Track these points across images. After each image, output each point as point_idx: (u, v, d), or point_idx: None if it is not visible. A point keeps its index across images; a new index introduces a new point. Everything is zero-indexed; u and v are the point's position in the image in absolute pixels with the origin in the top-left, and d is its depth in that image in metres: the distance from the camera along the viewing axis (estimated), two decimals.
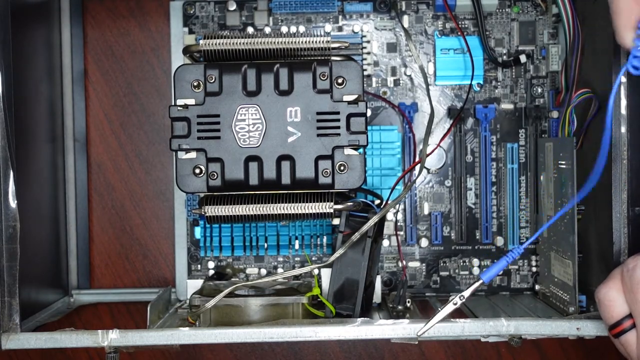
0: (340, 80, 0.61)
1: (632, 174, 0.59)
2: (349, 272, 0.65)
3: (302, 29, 0.75)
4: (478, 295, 0.75)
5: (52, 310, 0.72)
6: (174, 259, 0.77)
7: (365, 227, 0.62)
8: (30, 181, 0.68)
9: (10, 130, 0.59)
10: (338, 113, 0.61)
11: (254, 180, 0.61)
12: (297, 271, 0.64)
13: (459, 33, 0.75)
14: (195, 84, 0.61)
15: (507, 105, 0.75)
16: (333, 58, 0.62)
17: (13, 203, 0.59)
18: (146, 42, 0.80)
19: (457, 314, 0.67)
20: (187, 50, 0.63)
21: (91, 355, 0.82)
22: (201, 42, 0.61)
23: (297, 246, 0.75)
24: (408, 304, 0.71)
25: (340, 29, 0.76)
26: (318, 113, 0.61)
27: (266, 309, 0.64)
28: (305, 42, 0.62)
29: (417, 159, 0.74)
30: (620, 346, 0.54)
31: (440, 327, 0.58)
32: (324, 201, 0.62)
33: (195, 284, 0.73)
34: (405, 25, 0.75)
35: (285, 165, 0.61)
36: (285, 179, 0.61)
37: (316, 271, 0.73)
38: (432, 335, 0.58)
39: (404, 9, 0.75)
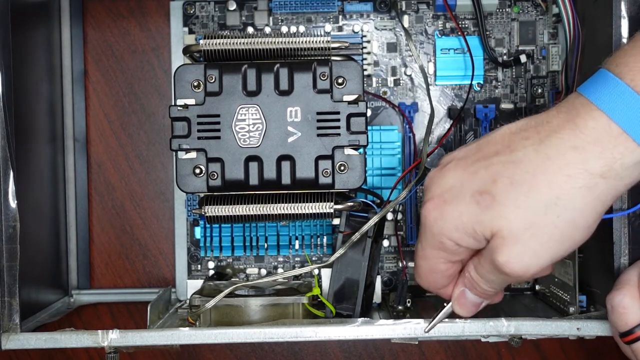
0: (340, 80, 0.61)
1: None
2: (349, 272, 0.65)
3: (302, 29, 0.75)
4: None
5: (52, 310, 0.72)
6: (174, 259, 0.77)
7: (365, 227, 0.62)
8: (30, 181, 0.68)
9: (10, 130, 0.59)
10: (338, 113, 0.61)
11: (254, 180, 0.61)
12: (297, 271, 0.64)
13: (459, 33, 0.75)
14: (195, 84, 0.61)
15: (507, 105, 0.75)
16: (333, 58, 0.62)
17: (13, 203, 0.59)
18: (146, 42, 0.80)
19: (457, 314, 0.66)
20: (187, 50, 0.64)
21: (91, 355, 0.81)
22: (201, 42, 0.61)
23: (297, 246, 0.75)
24: (408, 304, 0.71)
25: (340, 28, 0.76)
26: (318, 113, 0.61)
27: (266, 309, 0.64)
28: (305, 42, 0.62)
29: (417, 159, 0.74)
30: (631, 353, 0.54)
31: (440, 327, 0.58)
32: (324, 201, 0.62)
33: (195, 284, 0.73)
34: (406, 25, 0.75)
35: (286, 165, 0.61)
36: (286, 179, 0.61)
37: (316, 271, 0.73)
38: (432, 335, 0.58)
39: (404, 8, 0.75)
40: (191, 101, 0.61)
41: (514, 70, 0.75)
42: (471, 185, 0.49)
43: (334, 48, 0.62)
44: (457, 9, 0.74)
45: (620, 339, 0.54)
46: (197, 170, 0.61)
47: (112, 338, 0.58)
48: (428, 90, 0.71)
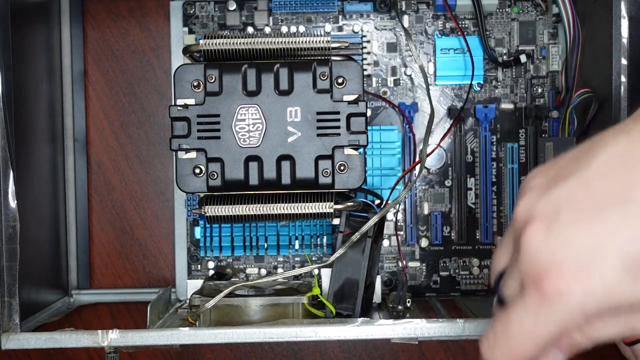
0: (340, 80, 0.61)
1: None
2: (349, 272, 0.65)
3: (302, 28, 0.75)
4: (478, 295, 0.75)
5: (52, 310, 0.72)
6: (174, 259, 0.77)
7: (365, 227, 0.62)
8: (30, 181, 0.68)
9: (10, 130, 0.59)
10: (338, 113, 0.61)
11: (254, 180, 0.61)
12: (297, 271, 0.64)
13: (459, 33, 0.75)
14: (195, 84, 0.61)
15: (507, 105, 0.75)
16: (333, 58, 0.62)
17: (13, 203, 0.59)
18: (146, 42, 0.80)
19: (457, 314, 0.67)
20: (187, 50, 0.63)
21: (91, 355, 0.81)
22: (201, 42, 0.61)
23: (297, 246, 0.75)
24: (408, 304, 0.70)
25: (340, 28, 0.76)
26: (318, 113, 0.61)
27: (266, 309, 0.64)
28: (305, 42, 0.62)
29: (417, 159, 0.74)
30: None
31: (440, 327, 0.58)
32: (324, 201, 0.62)
33: (195, 284, 0.73)
34: (406, 25, 0.75)
35: (285, 165, 0.61)
36: (285, 179, 0.61)
37: (316, 271, 0.73)
38: (432, 335, 0.58)
39: (404, 8, 0.75)
40: (191, 101, 0.61)
41: (514, 70, 0.75)
42: (614, 244, 0.37)
43: (334, 48, 0.62)
44: (457, 9, 0.74)
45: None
46: (197, 170, 0.61)
47: (112, 338, 0.58)
48: (428, 90, 0.71)
